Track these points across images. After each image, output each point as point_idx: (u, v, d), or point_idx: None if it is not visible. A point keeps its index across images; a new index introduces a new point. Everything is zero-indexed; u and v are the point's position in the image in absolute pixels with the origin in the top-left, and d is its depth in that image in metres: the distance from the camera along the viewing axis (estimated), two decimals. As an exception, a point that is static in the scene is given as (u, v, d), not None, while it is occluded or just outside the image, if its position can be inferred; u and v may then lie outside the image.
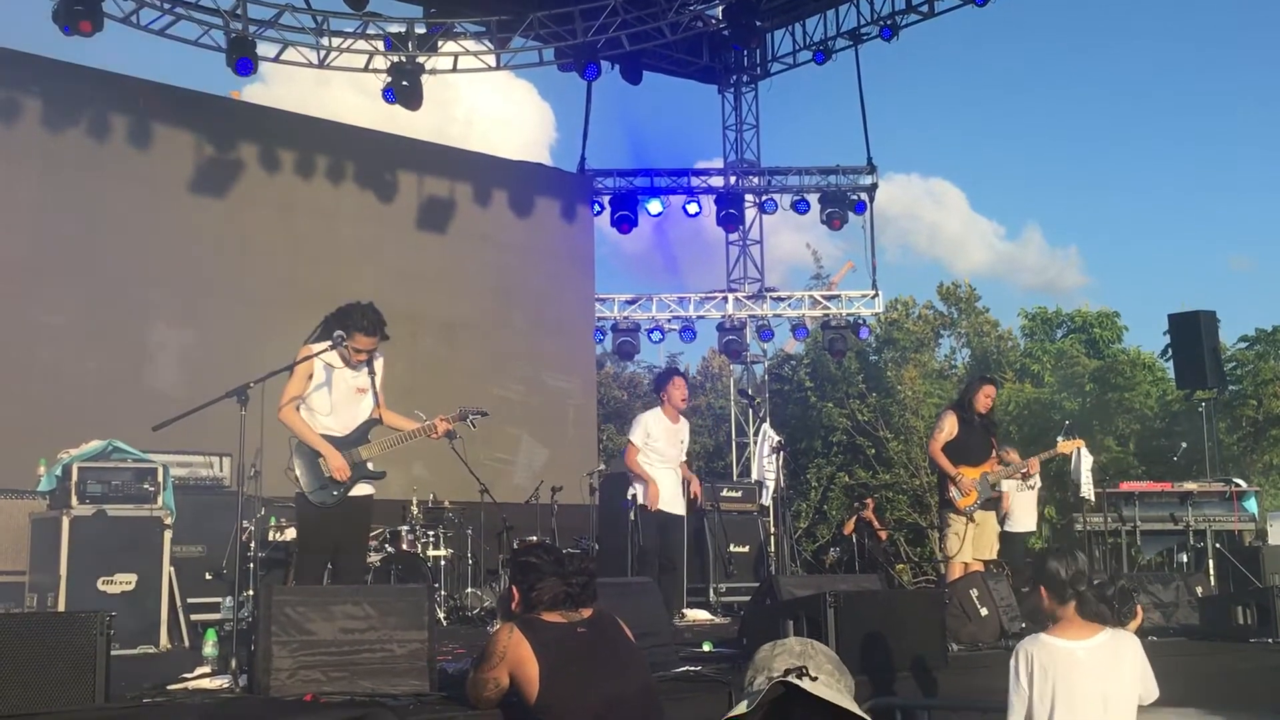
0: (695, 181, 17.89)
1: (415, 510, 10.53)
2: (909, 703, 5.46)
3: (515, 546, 10.66)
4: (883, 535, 15.00)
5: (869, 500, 15.94)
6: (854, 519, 15.28)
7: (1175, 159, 50.64)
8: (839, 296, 18.33)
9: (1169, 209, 50.34)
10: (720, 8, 15.55)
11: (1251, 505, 12.86)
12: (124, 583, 7.54)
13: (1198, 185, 49.54)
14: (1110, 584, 4.26)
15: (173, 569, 7.91)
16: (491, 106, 40.10)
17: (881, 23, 16.36)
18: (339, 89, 37.16)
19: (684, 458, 9.13)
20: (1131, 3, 52.63)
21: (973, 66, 53.77)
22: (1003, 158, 56.78)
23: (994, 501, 9.29)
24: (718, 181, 17.99)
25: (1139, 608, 4.43)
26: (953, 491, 8.83)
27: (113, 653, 4.81)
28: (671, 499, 8.87)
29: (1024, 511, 11.56)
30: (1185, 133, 50.06)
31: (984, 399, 9.08)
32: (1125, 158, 51.04)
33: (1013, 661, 4.22)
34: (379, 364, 6.70)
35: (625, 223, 17.33)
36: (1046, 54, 53.43)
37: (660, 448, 8.85)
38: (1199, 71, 49.95)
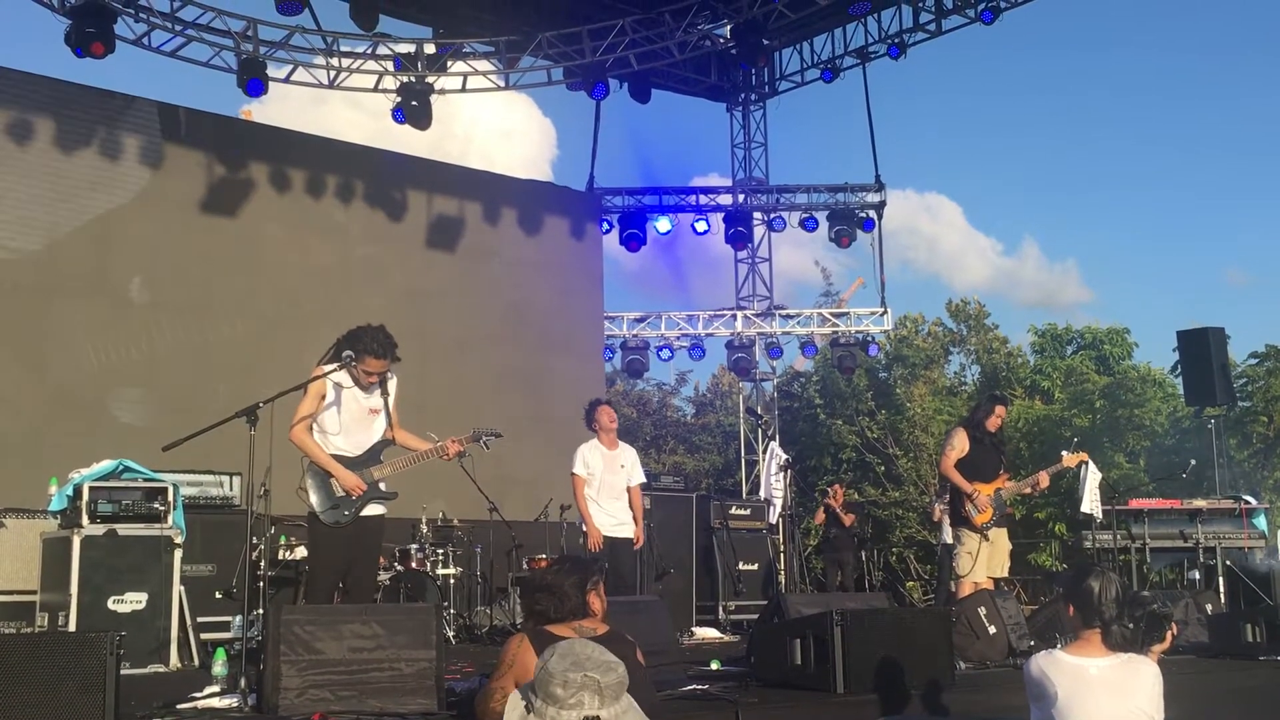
0: (704, 199, 17.88)
1: (425, 528, 10.55)
2: (917, 721, 5.47)
3: (525, 565, 10.70)
4: (847, 521, 14.79)
5: (835, 487, 15.77)
6: (822, 509, 15.16)
7: (1173, 173, 50.64)
8: (848, 314, 18.31)
9: (1168, 223, 50.35)
10: (728, 27, 15.61)
11: (1261, 522, 12.80)
12: (134, 602, 7.56)
13: (1197, 199, 49.51)
14: (1142, 606, 4.16)
15: (183, 588, 7.93)
16: (492, 122, 40.04)
17: (889, 41, 16.45)
18: (336, 106, 37.28)
19: (635, 482, 9.10)
20: (1131, 20, 52.65)
21: (967, 81, 53.91)
22: (999, 173, 56.81)
23: (1008, 519, 9.23)
24: (726, 199, 17.99)
25: (1169, 633, 4.27)
26: (969, 508, 8.68)
27: (123, 672, 4.82)
28: (617, 525, 8.91)
29: None
30: (1183, 146, 50.09)
31: (995, 419, 9.03)
32: (1123, 172, 51.03)
33: (1025, 674, 4.19)
34: (392, 384, 6.66)
35: (634, 241, 17.30)
36: (1039, 67, 53.51)
37: (600, 476, 8.91)
38: (1196, 86, 49.97)
